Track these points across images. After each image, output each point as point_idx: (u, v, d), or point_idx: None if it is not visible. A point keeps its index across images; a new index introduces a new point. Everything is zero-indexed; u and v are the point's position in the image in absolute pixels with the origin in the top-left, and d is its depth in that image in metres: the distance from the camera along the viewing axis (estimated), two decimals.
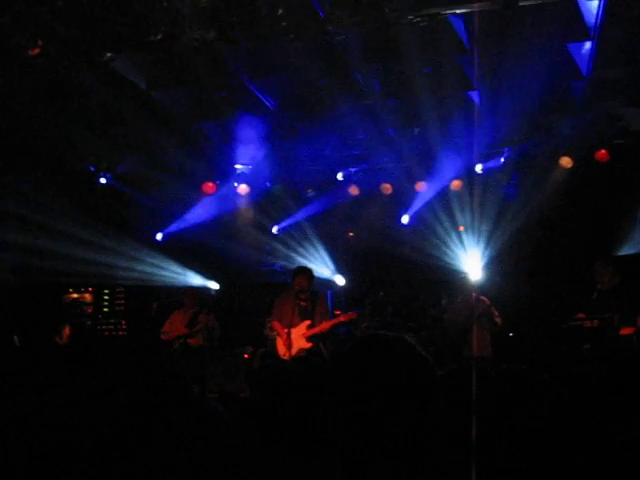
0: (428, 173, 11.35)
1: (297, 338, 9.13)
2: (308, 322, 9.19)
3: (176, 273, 12.34)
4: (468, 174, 11.19)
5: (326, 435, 2.40)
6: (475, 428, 1.51)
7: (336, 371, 1.66)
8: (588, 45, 8.12)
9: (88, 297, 12.62)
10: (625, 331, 8.40)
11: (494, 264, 10.84)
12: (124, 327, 12.47)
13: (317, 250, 12.39)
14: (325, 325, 9.24)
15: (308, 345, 9.15)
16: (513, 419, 2.29)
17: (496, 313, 9.55)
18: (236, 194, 12.31)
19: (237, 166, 12.12)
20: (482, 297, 9.65)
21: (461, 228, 11.42)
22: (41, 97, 8.59)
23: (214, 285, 12.75)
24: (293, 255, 12.37)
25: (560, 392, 3.14)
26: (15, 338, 9.80)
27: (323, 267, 12.26)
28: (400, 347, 1.67)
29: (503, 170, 11.05)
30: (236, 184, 12.20)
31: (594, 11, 7.29)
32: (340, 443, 1.56)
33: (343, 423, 1.57)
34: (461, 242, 11.37)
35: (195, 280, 12.31)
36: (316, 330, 9.20)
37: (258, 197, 12.48)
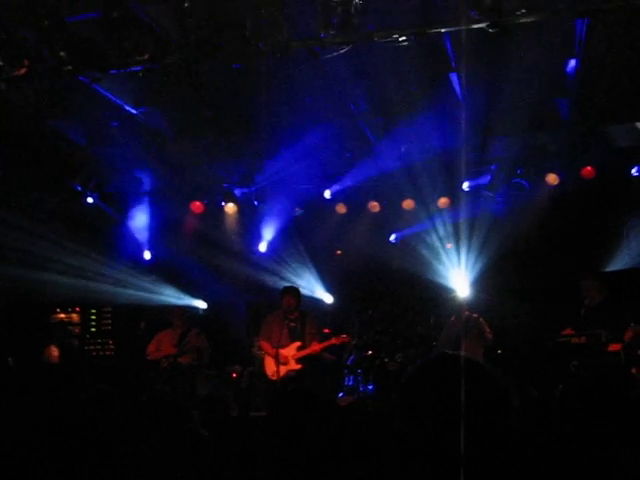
0: (415, 191, 11.34)
1: (286, 359, 9.08)
2: (298, 344, 9.16)
3: (164, 293, 12.26)
4: (455, 192, 11.20)
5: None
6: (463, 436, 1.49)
7: (409, 390, 1.63)
8: (573, 63, 8.19)
9: (75, 317, 12.52)
10: (613, 347, 8.40)
11: (482, 281, 10.84)
12: (111, 347, 12.38)
13: (305, 268, 12.34)
14: (316, 347, 9.22)
15: (297, 367, 9.12)
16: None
17: (488, 329, 9.58)
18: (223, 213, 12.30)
19: (225, 185, 12.09)
20: (474, 314, 9.70)
21: (449, 246, 11.42)
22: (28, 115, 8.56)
23: (202, 304, 12.68)
24: (281, 273, 12.31)
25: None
26: (10, 360, 9.74)
27: (311, 285, 12.21)
28: (474, 370, 1.65)
29: (490, 187, 11.07)
30: (224, 203, 12.17)
31: (578, 30, 7.36)
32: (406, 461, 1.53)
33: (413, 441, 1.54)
34: (449, 259, 11.36)
35: (183, 299, 12.24)
36: (306, 352, 9.17)
37: (246, 216, 12.44)
